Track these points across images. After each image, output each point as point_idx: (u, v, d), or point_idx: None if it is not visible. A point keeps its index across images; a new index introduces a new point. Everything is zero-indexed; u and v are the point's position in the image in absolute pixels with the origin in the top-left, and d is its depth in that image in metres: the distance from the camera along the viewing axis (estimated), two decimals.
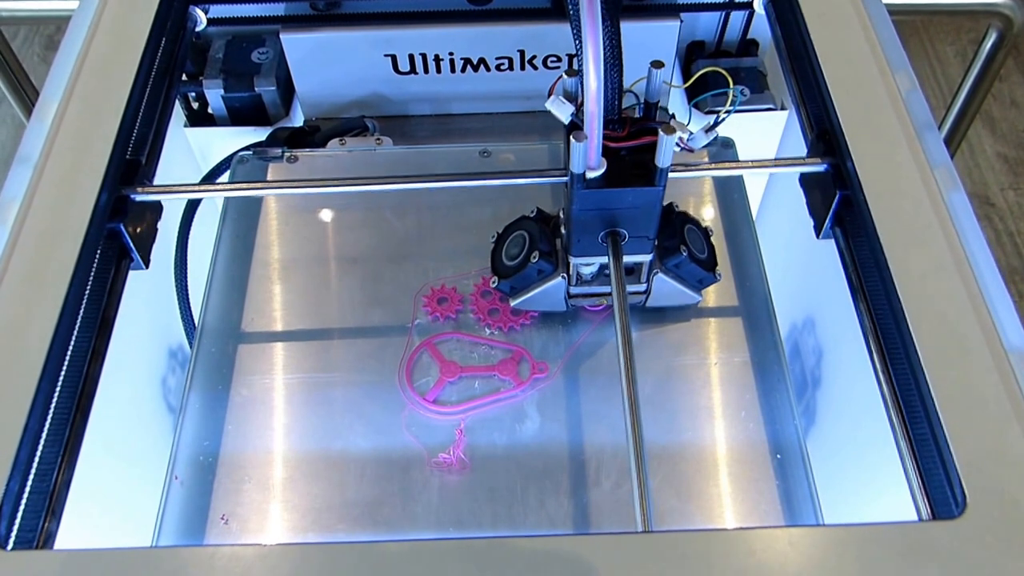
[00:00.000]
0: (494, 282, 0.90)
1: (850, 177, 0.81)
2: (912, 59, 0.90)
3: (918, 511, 0.66)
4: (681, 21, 1.20)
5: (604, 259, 0.84)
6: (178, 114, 1.27)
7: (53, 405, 0.70)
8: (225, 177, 1.12)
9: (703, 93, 1.29)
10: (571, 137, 0.70)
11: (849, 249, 0.83)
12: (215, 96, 1.25)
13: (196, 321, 0.98)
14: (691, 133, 0.77)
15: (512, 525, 0.80)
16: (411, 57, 1.22)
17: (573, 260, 0.85)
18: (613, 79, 0.70)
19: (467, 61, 1.23)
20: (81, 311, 0.76)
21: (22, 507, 0.64)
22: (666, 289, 0.88)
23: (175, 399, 1.08)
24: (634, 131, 0.75)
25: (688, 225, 0.88)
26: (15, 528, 0.63)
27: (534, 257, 0.86)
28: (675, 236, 0.86)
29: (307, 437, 0.87)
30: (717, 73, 1.29)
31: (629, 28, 1.19)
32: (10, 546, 0.62)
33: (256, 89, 1.24)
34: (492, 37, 1.21)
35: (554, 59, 1.23)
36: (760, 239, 1.02)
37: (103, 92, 0.88)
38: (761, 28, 1.29)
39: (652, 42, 1.22)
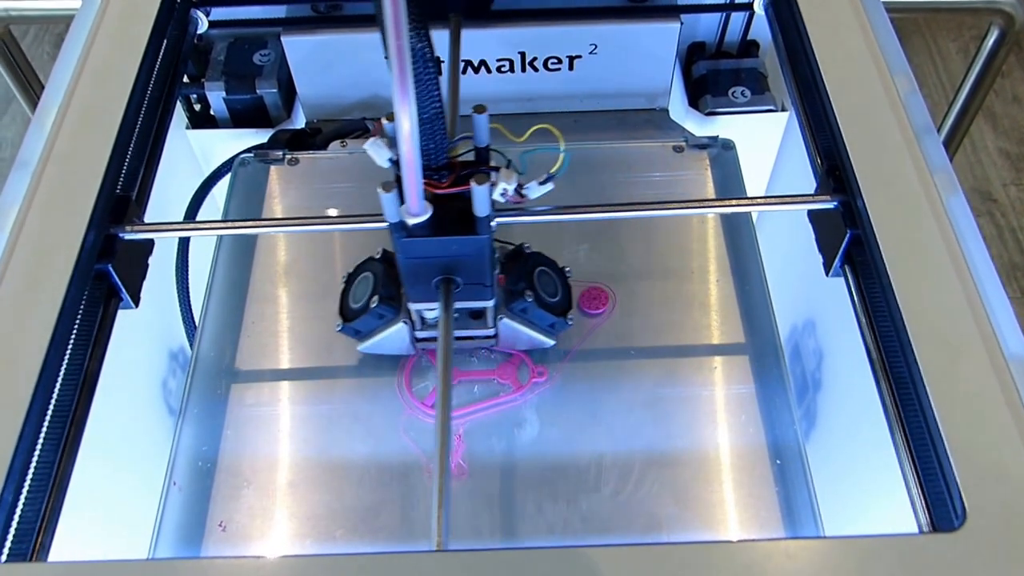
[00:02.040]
0: (338, 325, 0.87)
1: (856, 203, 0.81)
2: (914, 55, 0.90)
3: (918, 522, 0.65)
4: (681, 23, 1.20)
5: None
6: (180, 116, 1.27)
7: (49, 414, 0.70)
8: (226, 180, 1.11)
9: (703, 94, 1.29)
10: (379, 187, 0.67)
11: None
12: (217, 98, 1.25)
13: (197, 322, 0.98)
14: (521, 184, 0.71)
15: (510, 532, 0.80)
16: None
17: (411, 306, 0.82)
18: (435, 123, 0.66)
19: (468, 63, 1.22)
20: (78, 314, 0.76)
21: (16, 519, 0.64)
22: (514, 333, 0.86)
23: (176, 402, 1.07)
24: (461, 176, 0.71)
25: (540, 267, 0.86)
26: (8, 540, 0.63)
27: (374, 302, 0.83)
28: (522, 279, 0.84)
29: (306, 442, 0.87)
30: (716, 74, 1.30)
31: (629, 30, 1.21)
32: (3, 559, 0.62)
33: (257, 91, 1.24)
34: (493, 39, 1.20)
35: (555, 61, 1.22)
36: (760, 239, 1.02)
37: (101, 103, 0.88)
38: (762, 29, 1.28)
39: (652, 44, 1.21)
